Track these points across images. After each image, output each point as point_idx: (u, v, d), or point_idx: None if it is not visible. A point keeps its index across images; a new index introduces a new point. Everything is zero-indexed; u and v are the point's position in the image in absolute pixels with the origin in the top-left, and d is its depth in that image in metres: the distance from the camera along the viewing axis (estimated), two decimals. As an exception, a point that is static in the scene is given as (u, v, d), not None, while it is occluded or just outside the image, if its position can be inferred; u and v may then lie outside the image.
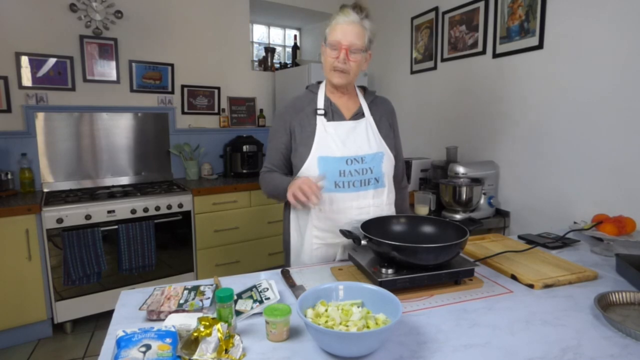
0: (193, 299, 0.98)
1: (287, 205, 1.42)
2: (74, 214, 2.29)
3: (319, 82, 1.40)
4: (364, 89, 1.44)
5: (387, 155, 1.35)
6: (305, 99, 1.37)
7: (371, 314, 0.86)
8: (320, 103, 1.34)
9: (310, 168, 1.27)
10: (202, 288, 1.04)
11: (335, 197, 1.28)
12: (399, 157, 1.46)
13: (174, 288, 1.04)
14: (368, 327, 0.80)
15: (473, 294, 1.06)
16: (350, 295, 0.91)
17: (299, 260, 1.36)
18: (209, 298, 0.98)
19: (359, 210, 1.29)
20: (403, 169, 1.54)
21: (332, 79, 1.30)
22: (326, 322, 0.82)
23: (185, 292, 1.02)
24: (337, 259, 1.35)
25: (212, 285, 1.08)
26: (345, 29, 1.23)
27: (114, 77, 2.88)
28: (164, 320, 0.88)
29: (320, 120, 1.31)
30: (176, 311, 0.92)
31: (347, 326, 0.80)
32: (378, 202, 1.33)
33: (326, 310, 0.85)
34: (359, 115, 1.36)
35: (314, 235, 1.32)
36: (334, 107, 1.34)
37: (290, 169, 1.39)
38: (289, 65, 3.69)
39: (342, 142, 1.29)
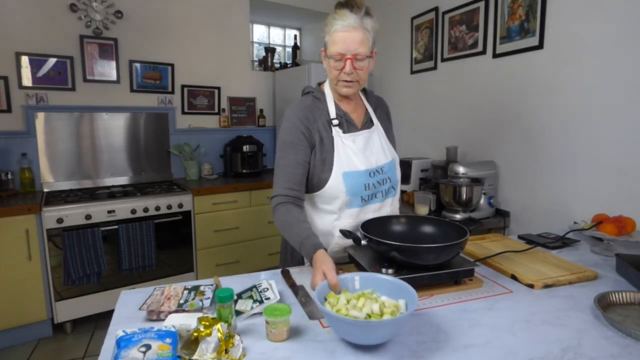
0: (193, 299, 0.98)
1: None
2: (74, 214, 2.29)
3: (319, 84, 1.33)
4: (363, 89, 1.39)
5: (397, 161, 1.34)
6: (315, 108, 1.25)
7: (377, 296, 0.87)
8: (333, 113, 1.25)
9: (335, 186, 1.20)
10: (202, 288, 1.05)
11: (360, 211, 1.24)
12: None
13: (174, 288, 1.04)
14: (381, 311, 0.82)
15: (473, 294, 1.06)
16: (367, 286, 0.93)
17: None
18: (209, 298, 0.98)
19: None
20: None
21: (339, 91, 1.22)
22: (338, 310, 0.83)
23: (185, 292, 1.02)
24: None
25: (212, 285, 1.07)
26: (347, 38, 1.11)
27: (114, 77, 2.88)
28: (163, 320, 0.88)
29: (337, 132, 1.23)
30: (176, 311, 0.92)
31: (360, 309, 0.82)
32: (393, 209, 1.33)
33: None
34: (368, 123, 1.31)
35: (334, 252, 1.26)
36: (346, 116, 1.27)
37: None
38: (289, 65, 3.69)
39: (362, 154, 1.23)
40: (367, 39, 1.13)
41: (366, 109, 1.34)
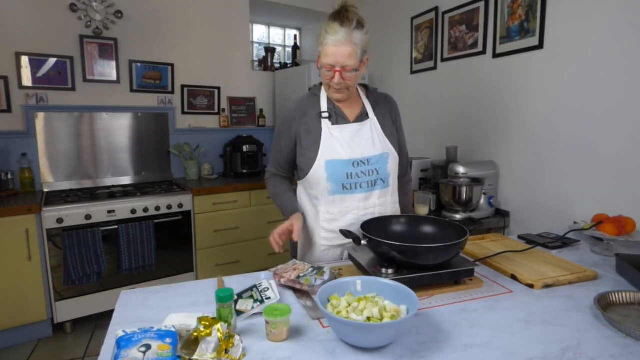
0: (311, 275, 1.06)
1: None
2: (74, 214, 2.29)
3: (322, 84, 1.39)
4: (365, 87, 1.44)
5: (392, 155, 1.36)
6: (309, 102, 1.36)
7: (379, 300, 0.87)
8: (324, 106, 1.33)
9: (317, 172, 1.29)
10: (325, 269, 1.10)
11: (343, 198, 1.30)
12: (403, 152, 1.47)
13: (304, 264, 1.15)
14: (381, 315, 0.83)
15: (473, 294, 1.06)
16: (370, 290, 0.93)
17: (306, 262, 1.37)
18: (323, 280, 1.04)
19: (365, 211, 1.32)
20: (407, 163, 1.54)
21: (331, 96, 1.32)
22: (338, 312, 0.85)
23: (310, 269, 1.10)
24: (343, 258, 1.36)
25: (337, 271, 1.16)
26: (336, 52, 1.19)
27: (114, 77, 2.88)
28: (282, 283, 1.06)
29: (325, 124, 1.31)
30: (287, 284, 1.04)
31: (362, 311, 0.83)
32: (382, 202, 1.35)
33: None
34: (362, 116, 1.36)
35: (322, 237, 1.35)
36: (337, 110, 1.34)
37: (294, 169, 1.42)
38: (289, 65, 3.69)
39: (348, 145, 1.30)
40: (355, 52, 1.21)
41: (363, 105, 1.39)
